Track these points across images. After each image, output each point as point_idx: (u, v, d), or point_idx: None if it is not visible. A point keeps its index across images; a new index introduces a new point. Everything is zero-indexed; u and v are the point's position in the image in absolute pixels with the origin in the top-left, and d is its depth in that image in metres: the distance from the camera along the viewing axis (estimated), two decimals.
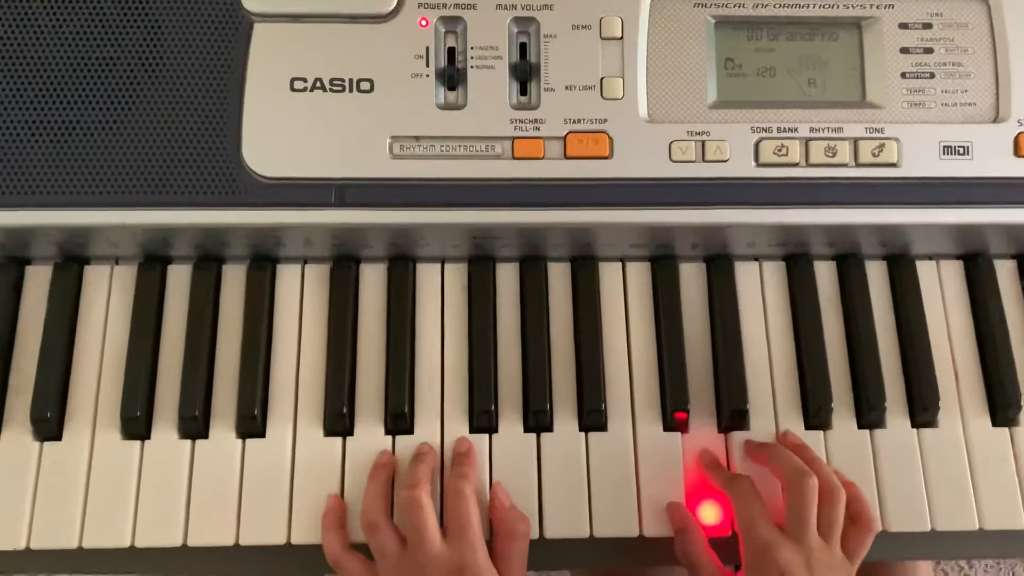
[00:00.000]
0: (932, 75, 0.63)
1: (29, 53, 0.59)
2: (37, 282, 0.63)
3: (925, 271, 0.66)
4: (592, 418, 0.61)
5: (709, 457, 0.61)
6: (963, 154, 0.62)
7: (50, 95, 0.59)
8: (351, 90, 0.60)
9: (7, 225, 0.59)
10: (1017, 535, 0.61)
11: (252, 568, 0.60)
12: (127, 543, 0.58)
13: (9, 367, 0.62)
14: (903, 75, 0.63)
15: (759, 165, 0.61)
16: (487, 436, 0.61)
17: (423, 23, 0.61)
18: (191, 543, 0.59)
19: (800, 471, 0.57)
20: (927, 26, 0.63)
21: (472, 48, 0.61)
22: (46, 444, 0.60)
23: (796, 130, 0.62)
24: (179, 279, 0.64)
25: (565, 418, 0.62)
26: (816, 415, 0.62)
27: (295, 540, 0.59)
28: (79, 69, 0.59)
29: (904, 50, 0.63)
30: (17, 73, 0.59)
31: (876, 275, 0.66)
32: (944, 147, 0.62)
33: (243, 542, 0.59)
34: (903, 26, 0.63)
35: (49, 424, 0.59)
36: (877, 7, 0.63)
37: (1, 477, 0.59)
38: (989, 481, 0.61)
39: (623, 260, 0.66)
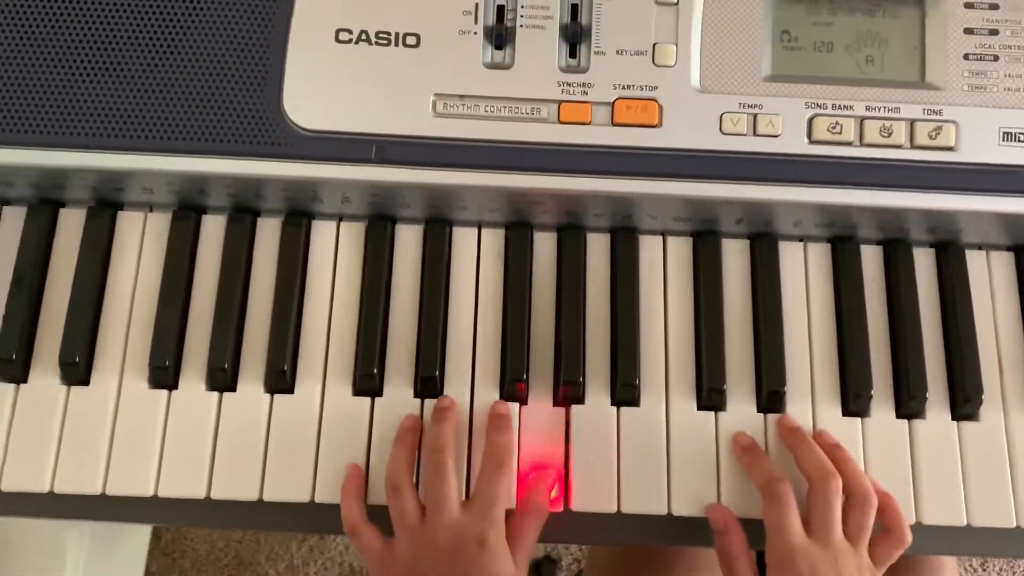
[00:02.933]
0: (996, 58, 0.61)
1: None
2: (70, 226, 0.63)
3: (974, 260, 0.64)
4: (625, 392, 0.60)
5: (746, 440, 0.59)
6: (1023, 142, 0.60)
7: (92, 36, 0.58)
8: (397, 44, 0.59)
9: (43, 165, 0.58)
10: None
11: (274, 524, 0.60)
12: (150, 492, 0.58)
13: (39, 310, 0.61)
14: (965, 56, 0.61)
15: (812, 142, 0.59)
16: (517, 405, 0.60)
17: None
18: (214, 496, 0.58)
19: (826, 471, 0.56)
20: (994, 7, 0.61)
21: (522, 7, 0.60)
22: (73, 389, 0.59)
23: (851, 108, 0.60)
24: (213, 230, 0.63)
25: (597, 391, 0.61)
26: (854, 402, 0.61)
27: (318, 499, 0.58)
28: (122, 11, 0.58)
29: (968, 31, 0.61)
30: (59, 12, 0.58)
31: (923, 262, 0.65)
32: (1004, 133, 0.60)
33: (267, 498, 0.58)
34: (968, 6, 0.61)
35: (77, 369, 0.59)
36: None
37: (28, 420, 0.59)
38: None
39: (664, 233, 0.64)
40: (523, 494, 0.58)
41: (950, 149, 0.60)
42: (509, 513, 0.57)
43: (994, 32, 0.61)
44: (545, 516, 0.58)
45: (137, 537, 1.31)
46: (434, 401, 0.60)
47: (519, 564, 0.55)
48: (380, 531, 0.57)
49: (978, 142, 0.60)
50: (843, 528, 0.55)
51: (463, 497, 0.57)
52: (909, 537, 0.57)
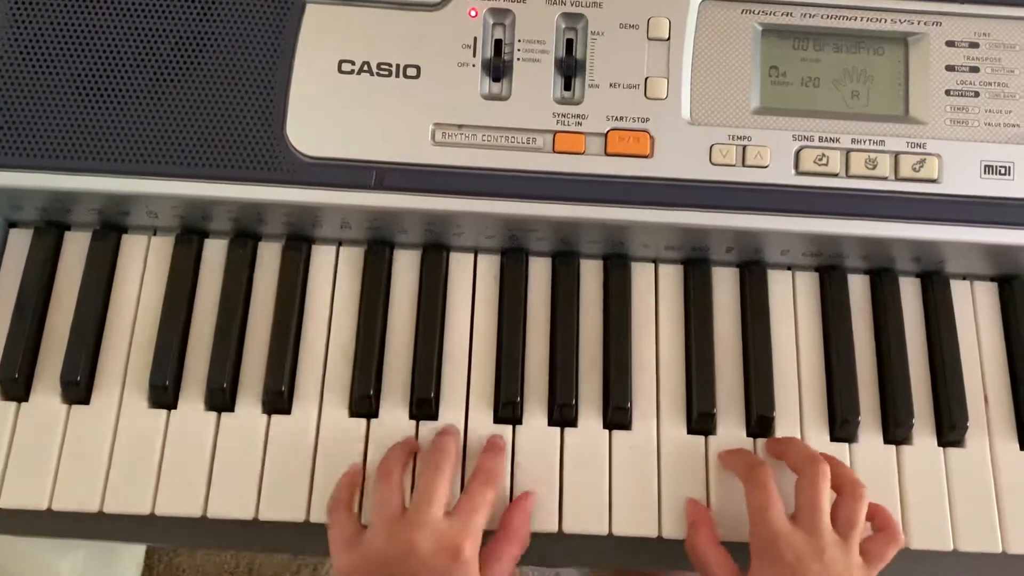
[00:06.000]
0: (977, 94, 0.63)
1: (82, 20, 0.60)
2: (75, 248, 0.64)
3: (959, 290, 0.66)
4: (618, 416, 0.61)
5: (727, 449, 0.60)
6: (1004, 174, 0.62)
7: (100, 62, 0.60)
8: (397, 75, 0.61)
9: (50, 188, 0.59)
10: None
11: (269, 544, 0.60)
12: (147, 510, 0.58)
13: (42, 330, 0.62)
14: (947, 92, 0.63)
15: (799, 173, 0.61)
16: (511, 427, 0.61)
17: (472, 13, 0.62)
18: (211, 515, 0.59)
19: (811, 457, 0.56)
20: (974, 45, 0.63)
21: (519, 41, 0.62)
22: (74, 407, 0.60)
23: (838, 141, 0.62)
24: (215, 253, 0.64)
25: (590, 414, 0.62)
26: (842, 427, 0.62)
27: (314, 519, 0.59)
28: (130, 38, 0.60)
29: (950, 67, 0.63)
30: (69, 38, 0.60)
31: (909, 292, 0.66)
32: (985, 166, 0.62)
33: (262, 517, 0.59)
34: (950, 44, 0.63)
35: (78, 388, 0.60)
36: (925, 24, 0.63)
37: (28, 438, 0.59)
38: (1014, 504, 0.61)
39: (656, 261, 0.66)
40: (505, 519, 0.58)
41: (933, 181, 0.62)
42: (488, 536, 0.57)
43: (975, 69, 0.63)
44: (525, 544, 0.57)
45: (131, 565, 1.30)
46: (429, 424, 0.61)
47: None
48: (357, 517, 0.57)
49: (961, 175, 0.62)
50: (832, 522, 0.54)
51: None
52: (902, 536, 0.57)
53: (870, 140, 0.62)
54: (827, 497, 0.55)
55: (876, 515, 0.57)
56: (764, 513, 0.54)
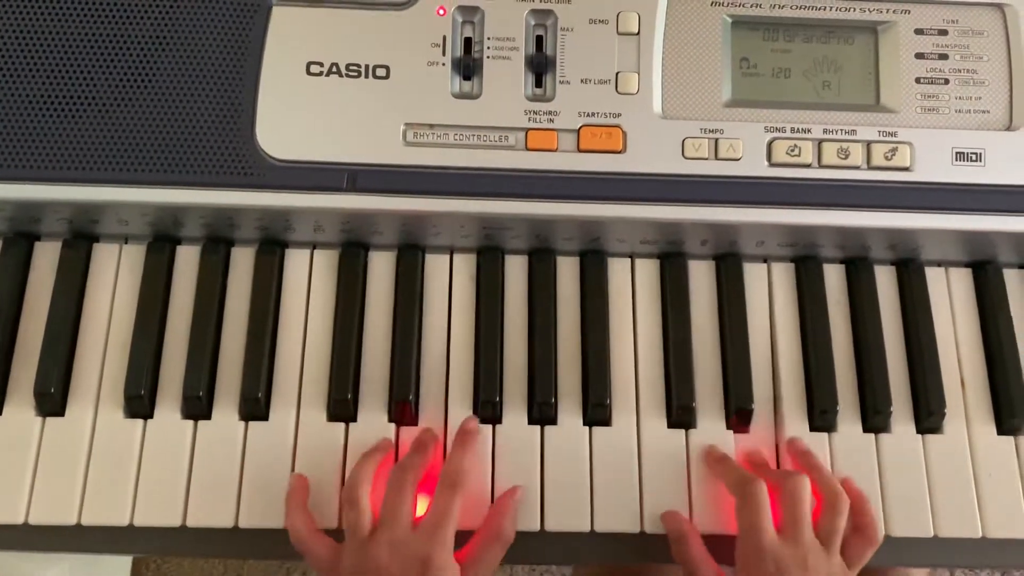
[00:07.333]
0: (946, 81, 0.63)
1: (46, 27, 0.60)
2: (46, 258, 0.63)
3: (934, 277, 0.66)
4: (597, 412, 0.61)
5: (717, 452, 0.60)
6: (976, 161, 0.62)
7: (66, 70, 0.59)
8: (367, 76, 0.60)
9: (18, 198, 0.59)
10: (1020, 544, 0.61)
11: (250, 551, 0.60)
12: (126, 521, 0.58)
13: (15, 342, 0.61)
14: (918, 80, 0.63)
15: (771, 165, 0.61)
16: (491, 427, 0.61)
17: (441, 12, 0.61)
18: (190, 524, 0.58)
19: (789, 473, 0.57)
20: (943, 32, 0.64)
21: (489, 39, 0.62)
22: (48, 419, 0.60)
23: (809, 131, 0.62)
24: (188, 260, 0.64)
25: (570, 412, 0.62)
26: (821, 417, 0.62)
27: None
28: (96, 44, 0.60)
29: (919, 55, 0.63)
30: (34, 47, 0.59)
31: (885, 280, 0.66)
32: (957, 153, 0.62)
33: (242, 525, 0.58)
34: (919, 32, 0.64)
35: (52, 399, 0.59)
36: (894, 12, 0.64)
37: (2, 451, 0.59)
38: (993, 489, 0.61)
39: (632, 256, 0.66)
40: (487, 518, 0.57)
41: (906, 169, 0.62)
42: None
43: (944, 56, 0.63)
44: (508, 543, 0.57)
45: (117, 575, 1.29)
46: (410, 429, 0.61)
47: None
48: (330, 540, 0.56)
49: (932, 162, 0.62)
50: (815, 531, 0.55)
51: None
52: (880, 536, 0.57)
53: (842, 130, 0.62)
54: (807, 509, 0.56)
55: (858, 513, 0.58)
56: (754, 529, 0.55)
